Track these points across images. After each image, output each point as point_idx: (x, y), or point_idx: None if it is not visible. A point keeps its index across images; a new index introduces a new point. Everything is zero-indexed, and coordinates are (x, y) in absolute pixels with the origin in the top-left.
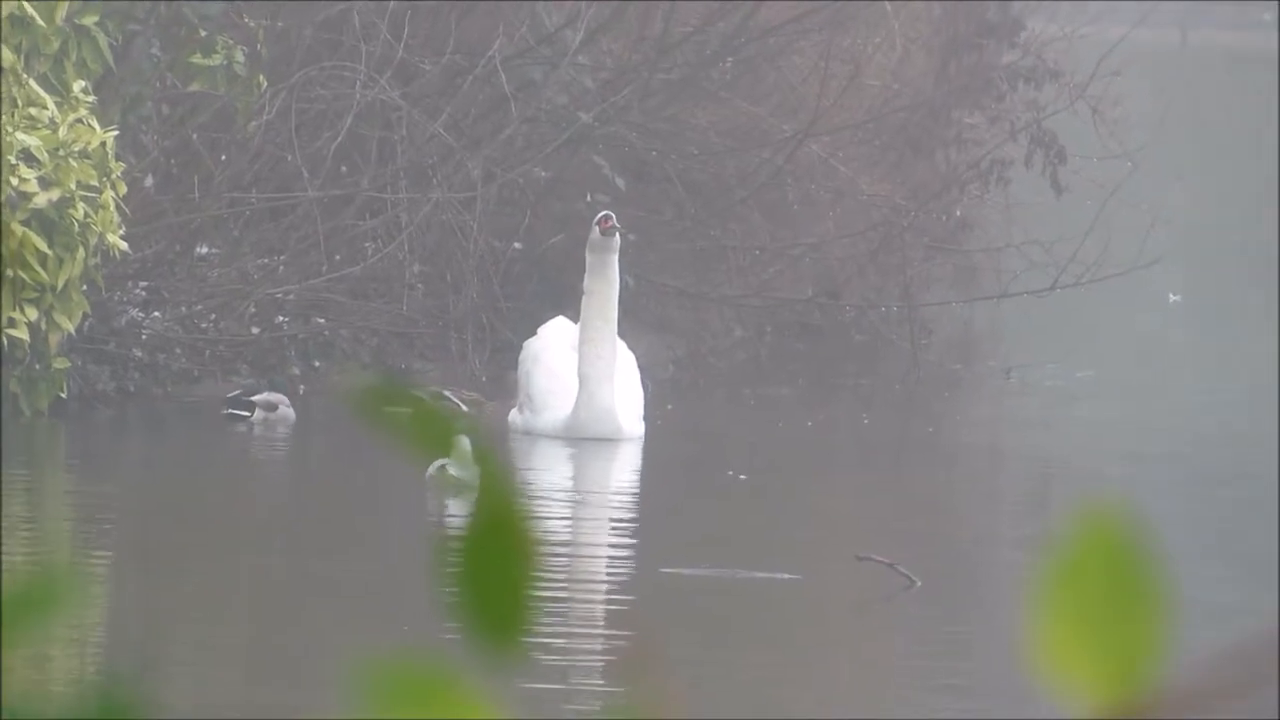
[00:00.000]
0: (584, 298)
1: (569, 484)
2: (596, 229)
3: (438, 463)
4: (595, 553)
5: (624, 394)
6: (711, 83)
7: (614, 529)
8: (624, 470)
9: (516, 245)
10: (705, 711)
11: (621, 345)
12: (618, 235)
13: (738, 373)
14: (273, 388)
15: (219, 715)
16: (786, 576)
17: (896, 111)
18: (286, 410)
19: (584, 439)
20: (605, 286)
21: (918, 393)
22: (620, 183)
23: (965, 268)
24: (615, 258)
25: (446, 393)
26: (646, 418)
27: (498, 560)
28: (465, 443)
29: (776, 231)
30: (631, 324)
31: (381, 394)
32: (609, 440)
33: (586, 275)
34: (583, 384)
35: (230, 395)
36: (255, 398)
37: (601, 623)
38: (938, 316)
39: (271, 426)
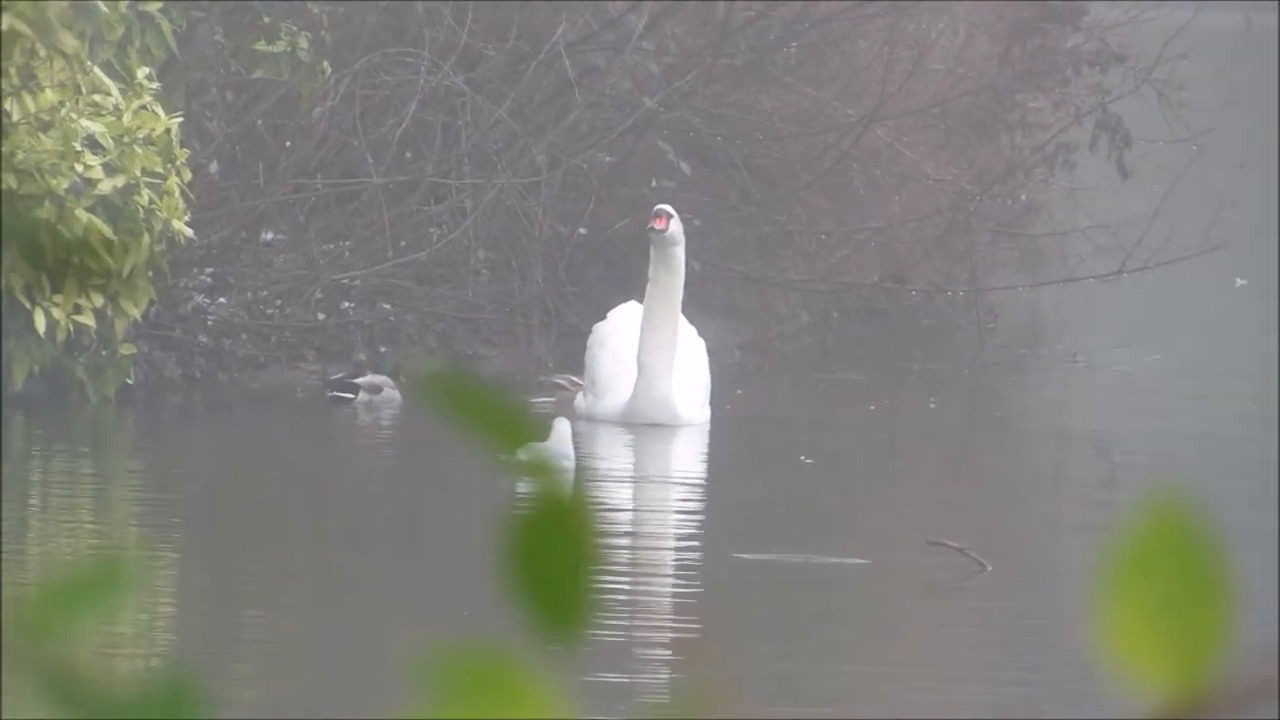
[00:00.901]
0: (648, 285)
1: (639, 470)
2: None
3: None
4: (667, 539)
5: (686, 381)
6: (776, 68)
7: (685, 515)
8: (693, 456)
9: (581, 230)
10: (778, 697)
11: (691, 331)
12: (671, 231)
13: (804, 357)
14: (377, 370)
15: (282, 704)
16: (858, 561)
17: (961, 96)
18: (391, 393)
19: (643, 424)
20: (669, 276)
21: (984, 377)
22: (685, 168)
23: (1031, 252)
24: (679, 249)
25: (574, 378)
26: (714, 403)
27: (559, 546)
28: (564, 426)
29: (842, 216)
30: (697, 309)
31: (461, 385)
32: (668, 426)
33: (650, 264)
34: (641, 371)
35: (334, 378)
36: (359, 380)
37: (674, 609)
38: (1004, 301)
39: (376, 409)
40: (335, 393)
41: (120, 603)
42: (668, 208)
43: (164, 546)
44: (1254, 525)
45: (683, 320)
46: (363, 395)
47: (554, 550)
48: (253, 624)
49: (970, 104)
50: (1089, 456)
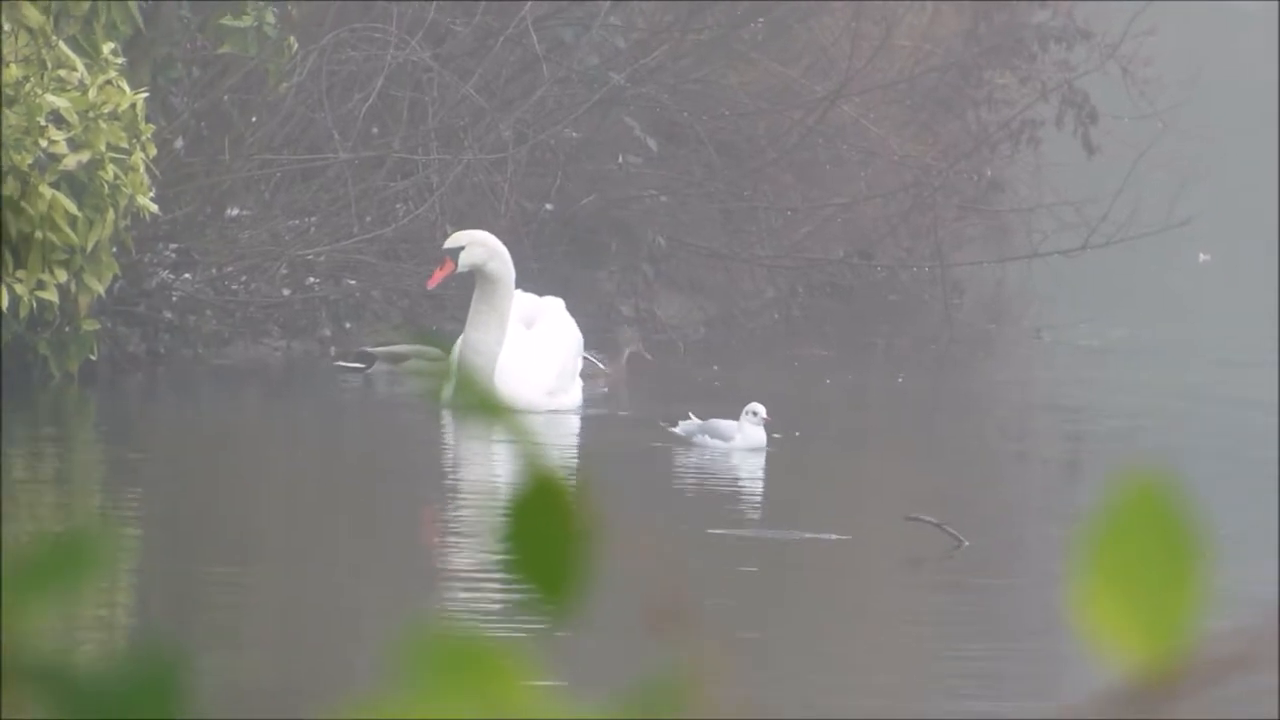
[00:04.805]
0: (475, 288)
1: (608, 450)
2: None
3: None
4: (642, 515)
5: (538, 368)
6: (743, 44)
7: (658, 492)
8: (650, 434)
9: (548, 206)
10: (753, 674)
11: (564, 317)
12: (465, 263)
13: (769, 333)
14: (422, 339)
15: (248, 684)
16: (835, 537)
17: (928, 72)
18: (421, 363)
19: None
20: (490, 285)
21: (951, 352)
22: (651, 144)
23: (996, 228)
24: (495, 263)
25: (587, 354)
26: (686, 379)
27: (550, 522)
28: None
29: (808, 192)
30: (663, 285)
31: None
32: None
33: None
34: (460, 370)
35: (361, 349)
36: (378, 350)
37: (649, 586)
38: (970, 276)
39: (396, 380)
40: (342, 363)
41: (86, 581)
42: (459, 240)
43: (128, 523)
44: (1222, 498)
45: (557, 303)
46: (379, 366)
47: (549, 526)
48: (219, 600)
49: (936, 80)
50: (1058, 431)
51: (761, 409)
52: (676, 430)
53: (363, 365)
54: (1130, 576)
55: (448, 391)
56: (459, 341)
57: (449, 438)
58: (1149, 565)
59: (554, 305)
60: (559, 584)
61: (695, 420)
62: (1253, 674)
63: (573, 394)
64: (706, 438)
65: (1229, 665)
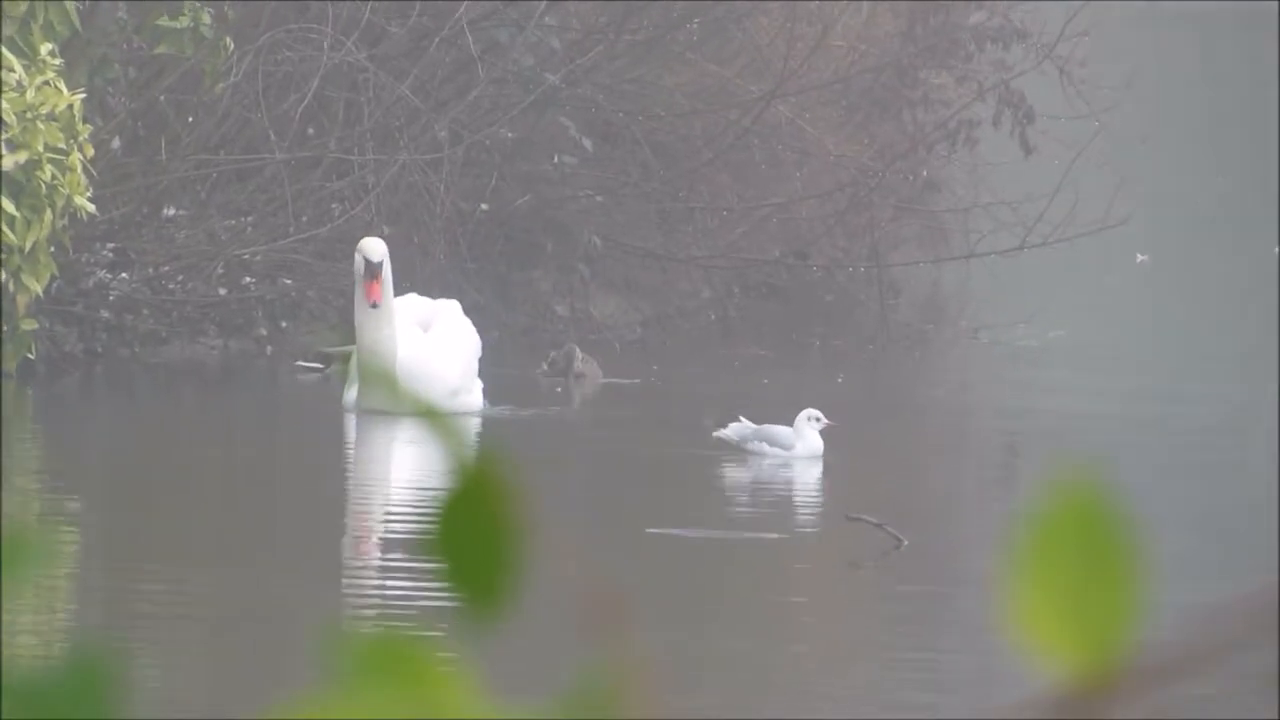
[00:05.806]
0: (356, 292)
1: (543, 448)
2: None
3: (352, 390)
4: (580, 514)
5: (436, 371)
6: (678, 44)
7: (597, 490)
8: (589, 432)
9: (483, 206)
10: (690, 673)
11: (462, 319)
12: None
13: (706, 334)
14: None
15: (184, 686)
16: (774, 536)
17: (863, 72)
18: None
19: (373, 410)
20: (384, 284)
21: (888, 353)
22: (587, 144)
23: (933, 228)
24: (387, 265)
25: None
26: (623, 376)
27: (481, 522)
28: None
29: (744, 192)
30: (599, 285)
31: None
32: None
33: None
34: (362, 374)
35: (323, 350)
36: (335, 349)
37: (586, 585)
38: (906, 276)
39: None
40: (303, 363)
41: (23, 582)
42: (381, 251)
43: (65, 523)
44: (1156, 500)
45: (453, 305)
46: (337, 366)
47: (478, 526)
48: (155, 600)
49: (872, 80)
50: (997, 431)
51: (819, 414)
52: (726, 434)
53: (321, 365)
54: (1064, 579)
55: (350, 395)
56: (355, 347)
57: (367, 438)
58: (1083, 567)
59: (450, 307)
60: (488, 589)
61: (748, 425)
62: (1189, 681)
63: (475, 395)
64: (764, 445)
65: (1165, 671)
